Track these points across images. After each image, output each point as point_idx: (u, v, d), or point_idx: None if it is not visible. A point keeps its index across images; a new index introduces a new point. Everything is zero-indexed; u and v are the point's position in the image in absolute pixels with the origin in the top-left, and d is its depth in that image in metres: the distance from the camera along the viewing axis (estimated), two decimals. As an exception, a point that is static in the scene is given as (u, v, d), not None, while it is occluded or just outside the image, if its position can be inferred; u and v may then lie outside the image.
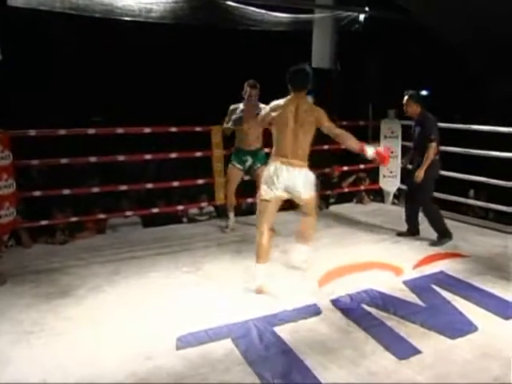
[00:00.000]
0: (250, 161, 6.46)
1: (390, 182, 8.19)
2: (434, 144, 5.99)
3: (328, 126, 4.87)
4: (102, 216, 6.69)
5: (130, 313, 4.36)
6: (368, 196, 8.40)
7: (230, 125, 6.32)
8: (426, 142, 6.03)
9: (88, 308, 4.47)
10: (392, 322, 4.17)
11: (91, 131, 6.57)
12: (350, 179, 8.48)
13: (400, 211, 7.18)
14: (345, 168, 8.38)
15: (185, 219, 7.36)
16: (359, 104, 8.61)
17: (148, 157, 6.97)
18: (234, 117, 6.28)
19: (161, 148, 7.34)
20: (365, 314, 4.34)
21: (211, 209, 7.47)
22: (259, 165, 6.31)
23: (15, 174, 5.64)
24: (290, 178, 4.73)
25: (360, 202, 8.33)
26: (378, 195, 8.44)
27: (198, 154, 7.03)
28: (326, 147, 8.08)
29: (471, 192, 8.36)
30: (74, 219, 6.41)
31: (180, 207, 7.16)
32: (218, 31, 8.19)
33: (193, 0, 7.02)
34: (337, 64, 8.94)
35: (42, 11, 6.11)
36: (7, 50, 6.03)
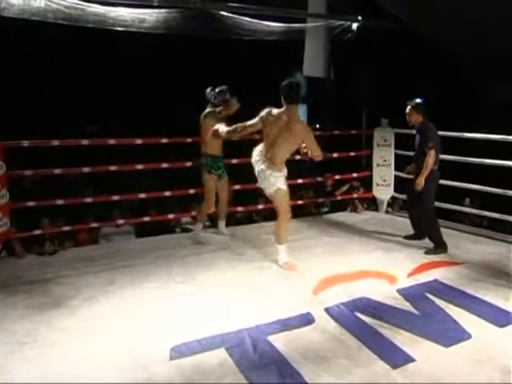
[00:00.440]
0: (221, 167, 6.55)
1: (384, 191, 8.20)
2: (432, 152, 6.03)
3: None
4: (94, 225, 6.69)
5: (124, 323, 4.34)
6: (362, 205, 8.40)
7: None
8: (425, 150, 6.08)
9: (82, 318, 4.45)
10: (386, 330, 4.17)
11: (84, 142, 6.56)
12: (344, 188, 8.48)
13: (394, 219, 7.23)
14: (338, 177, 8.39)
15: (178, 229, 7.34)
16: (352, 113, 8.63)
17: (140, 167, 6.96)
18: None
19: (153, 158, 7.32)
20: (359, 322, 4.33)
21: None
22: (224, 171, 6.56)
23: (8, 184, 5.62)
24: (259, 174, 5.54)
25: (354, 210, 8.33)
26: (372, 204, 8.45)
27: (190, 163, 7.03)
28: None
29: (467, 200, 8.36)
30: (65, 228, 6.39)
31: (171, 216, 7.13)
32: (211, 40, 8.22)
33: (185, 10, 7.05)
34: (330, 73, 8.97)
35: (35, 21, 6.13)
36: (0, 60, 6.05)
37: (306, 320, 4.34)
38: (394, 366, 3.65)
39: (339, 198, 8.42)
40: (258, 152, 5.60)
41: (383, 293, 4.90)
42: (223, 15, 7.35)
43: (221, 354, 3.81)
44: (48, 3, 6.09)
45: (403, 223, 7.12)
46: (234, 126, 5.68)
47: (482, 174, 7.40)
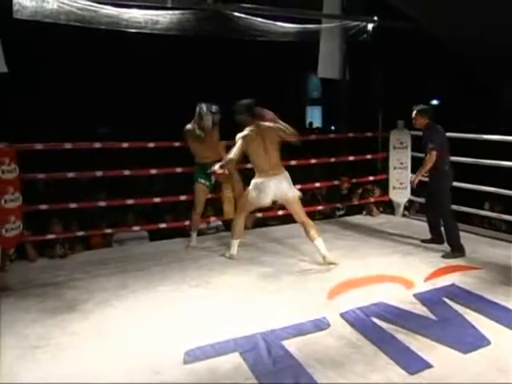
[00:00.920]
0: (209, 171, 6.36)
1: (400, 194, 8.10)
2: (433, 152, 6.06)
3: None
4: (108, 230, 6.67)
5: (137, 327, 4.31)
6: (377, 208, 8.31)
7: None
8: (427, 150, 6.15)
9: (95, 322, 4.43)
10: (402, 335, 4.09)
11: (97, 145, 6.54)
12: (358, 191, 8.41)
13: (410, 223, 7.14)
14: (354, 180, 8.32)
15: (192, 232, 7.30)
16: (368, 114, 8.57)
17: (154, 171, 6.93)
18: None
19: (168, 162, 7.28)
20: (375, 327, 4.26)
21: (218, 223, 7.42)
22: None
23: (21, 187, 5.62)
24: (277, 186, 5.65)
25: (369, 214, 8.24)
26: (388, 207, 8.35)
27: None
28: (332, 160, 8.06)
29: (486, 205, 8.23)
30: (79, 233, 6.39)
31: (187, 222, 7.07)
32: (225, 41, 8.20)
33: (199, 11, 7.03)
34: (345, 74, 8.90)
35: (48, 23, 6.13)
36: (12, 63, 6.05)
37: (321, 325, 4.28)
38: (411, 372, 3.57)
39: (356, 201, 8.35)
40: (264, 183, 5.67)
41: (400, 297, 4.81)
42: (237, 16, 7.31)
43: (235, 359, 3.76)
44: (61, 5, 6.09)
45: (420, 227, 7.03)
46: (227, 158, 5.73)
47: (501, 177, 7.30)
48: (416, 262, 5.90)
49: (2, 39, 6.14)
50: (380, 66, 9.05)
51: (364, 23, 8.55)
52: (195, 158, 6.50)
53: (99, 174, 6.51)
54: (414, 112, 6.33)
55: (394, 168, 8.08)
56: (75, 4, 6.16)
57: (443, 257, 6.04)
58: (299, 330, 4.17)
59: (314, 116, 27.40)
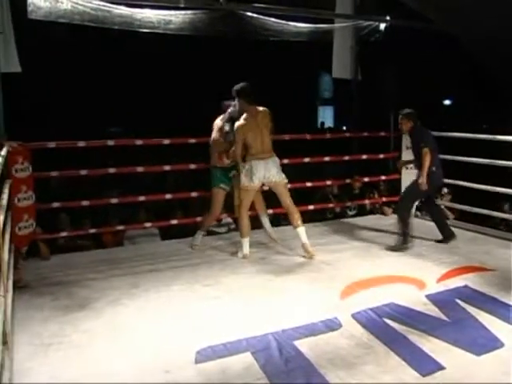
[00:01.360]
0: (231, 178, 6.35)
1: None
2: (426, 149, 6.17)
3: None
4: (119, 227, 6.70)
5: (148, 326, 4.31)
6: (390, 207, 8.28)
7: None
8: (420, 151, 6.26)
9: (106, 321, 4.43)
10: (415, 336, 4.07)
11: (110, 143, 6.58)
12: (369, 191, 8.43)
13: (422, 223, 7.11)
14: (366, 179, 8.30)
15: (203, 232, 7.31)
16: (380, 114, 8.53)
17: (167, 168, 6.94)
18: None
19: (181, 158, 7.29)
20: (387, 328, 4.24)
21: (229, 220, 7.41)
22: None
23: (34, 185, 5.65)
24: (265, 168, 5.78)
25: (382, 213, 8.22)
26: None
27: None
28: (346, 158, 8.04)
29: (506, 206, 8.16)
30: (91, 231, 6.43)
31: (198, 219, 7.08)
32: (236, 40, 8.20)
33: (211, 11, 7.03)
34: (357, 74, 8.88)
35: (62, 24, 6.17)
36: (26, 63, 6.09)
37: (333, 325, 4.26)
38: (423, 374, 3.55)
39: (367, 201, 8.33)
40: (253, 165, 5.78)
41: (412, 298, 4.79)
42: (249, 16, 7.31)
43: (246, 359, 3.75)
44: (74, 5, 6.13)
45: (432, 227, 6.99)
46: (232, 153, 5.91)
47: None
48: (428, 262, 5.87)
49: (16, 39, 6.19)
50: (392, 66, 9.01)
51: (376, 23, 8.53)
52: (213, 161, 6.33)
53: (112, 171, 6.56)
54: (400, 117, 6.50)
55: (406, 168, 8.03)
56: (89, 4, 6.20)
57: (387, 249, 6.31)
58: (311, 330, 4.16)
59: (326, 116, 27.38)
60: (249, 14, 7.34)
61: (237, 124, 5.77)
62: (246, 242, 6.07)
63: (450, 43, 10.12)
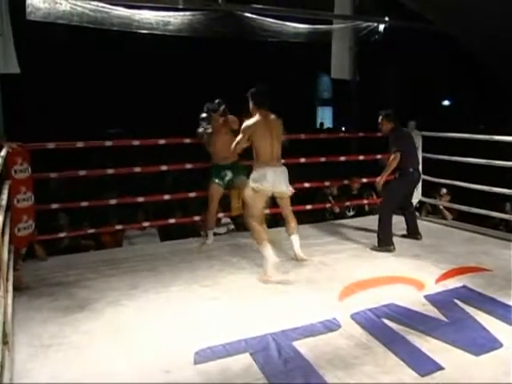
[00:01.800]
0: (229, 175, 6.47)
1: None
2: (398, 154, 6.31)
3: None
4: (118, 227, 6.71)
5: (148, 326, 4.32)
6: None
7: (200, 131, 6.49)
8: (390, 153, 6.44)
9: (106, 322, 4.44)
10: (413, 337, 4.08)
11: (108, 143, 6.58)
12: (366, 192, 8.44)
13: (421, 224, 7.10)
14: (364, 180, 8.30)
15: (202, 232, 7.31)
16: (378, 116, 8.56)
17: (164, 168, 6.96)
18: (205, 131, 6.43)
19: (181, 159, 7.30)
20: (385, 328, 4.25)
21: (228, 220, 7.42)
22: (241, 177, 6.35)
23: (33, 186, 5.65)
24: (275, 176, 5.56)
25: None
26: (399, 208, 8.31)
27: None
28: (342, 158, 8.04)
29: (507, 205, 8.17)
30: (90, 231, 6.44)
31: (196, 218, 7.09)
32: (235, 41, 8.21)
33: (210, 12, 7.04)
34: (356, 75, 8.89)
35: (60, 25, 6.18)
36: (25, 64, 6.10)
37: (332, 326, 4.27)
38: (422, 374, 3.56)
39: (365, 202, 8.34)
40: (264, 171, 5.58)
41: (410, 299, 4.80)
42: (248, 17, 7.32)
43: (245, 359, 3.76)
44: (73, 7, 6.14)
45: (430, 228, 7.03)
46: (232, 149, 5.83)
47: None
48: (427, 263, 5.87)
49: (15, 40, 6.20)
50: (391, 67, 9.02)
51: (375, 24, 8.53)
52: (213, 158, 6.58)
53: (110, 171, 6.57)
54: (380, 117, 6.58)
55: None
56: (87, 5, 6.21)
57: (371, 249, 6.33)
58: (310, 331, 4.17)
59: (325, 116, 27.36)
60: (247, 14, 7.35)
61: (246, 122, 5.65)
62: (267, 248, 5.45)
63: (450, 43, 10.12)
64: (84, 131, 11.40)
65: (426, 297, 4.85)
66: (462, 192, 7.72)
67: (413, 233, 6.81)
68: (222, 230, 7.35)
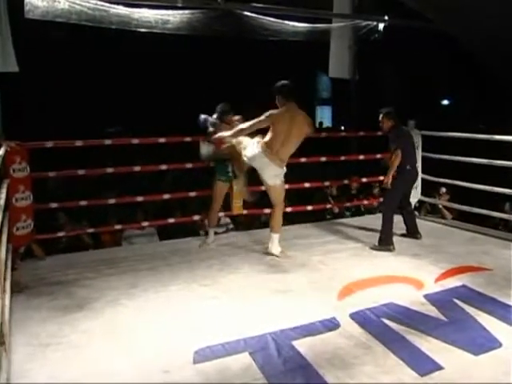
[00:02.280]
0: (230, 167, 6.41)
1: (411, 194, 8.05)
2: (399, 152, 6.37)
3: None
4: (117, 227, 6.70)
5: (147, 326, 4.31)
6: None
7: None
8: (392, 152, 6.47)
9: (105, 321, 4.43)
10: (413, 336, 4.07)
11: (107, 142, 6.57)
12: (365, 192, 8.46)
13: (420, 223, 7.10)
14: (363, 179, 8.30)
15: (201, 232, 7.31)
16: (378, 114, 8.56)
17: (164, 167, 6.94)
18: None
19: (180, 159, 7.30)
20: (385, 328, 4.24)
21: (227, 220, 7.42)
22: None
23: (32, 185, 5.64)
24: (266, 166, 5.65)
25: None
26: (398, 208, 8.31)
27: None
28: (342, 158, 8.03)
29: (507, 205, 8.16)
30: (89, 230, 6.42)
31: (196, 217, 7.07)
32: (234, 40, 8.21)
33: (209, 11, 7.03)
34: (355, 74, 8.88)
35: (59, 23, 6.17)
36: (23, 62, 6.08)
37: (331, 325, 4.26)
38: (421, 374, 3.56)
39: (365, 202, 8.33)
40: (257, 145, 5.66)
41: (410, 298, 4.79)
42: (247, 15, 7.31)
43: (244, 359, 3.75)
44: (72, 5, 6.12)
45: (430, 227, 7.02)
46: (239, 128, 5.76)
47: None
48: (426, 262, 5.87)
49: (13, 38, 6.18)
50: (391, 66, 9.02)
51: (375, 22, 8.52)
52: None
53: (110, 170, 6.56)
54: (381, 115, 6.61)
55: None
56: (86, 4, 6.20)
57: (371, 248, 6.33)
58: (309, 331, 4.16)
59: (324, 116, 27.34)
60: (247, 13, 7.34)
61: (272, 110, 5.67)
62: (278, 237, 6.06)
63: (449, 43, 10.11)
64: (83, 130, 11.37)
65: (426, 296, 4.85)
66: (461, 191, 7.71)
67: (412, 232, 6.82)
68: (222, 229, 7.35)
